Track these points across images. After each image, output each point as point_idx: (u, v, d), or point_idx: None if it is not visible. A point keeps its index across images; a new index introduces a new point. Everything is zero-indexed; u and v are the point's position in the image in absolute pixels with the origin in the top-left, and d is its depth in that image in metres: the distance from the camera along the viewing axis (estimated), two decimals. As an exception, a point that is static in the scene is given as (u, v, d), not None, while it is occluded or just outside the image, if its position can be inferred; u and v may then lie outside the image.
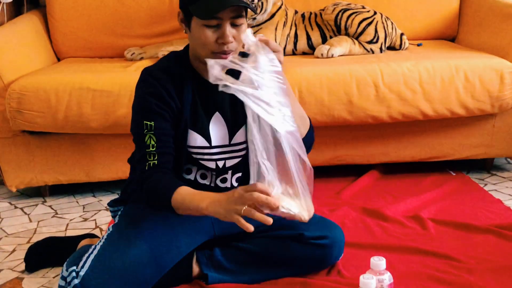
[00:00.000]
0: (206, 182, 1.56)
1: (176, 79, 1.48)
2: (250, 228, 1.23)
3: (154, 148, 1.42)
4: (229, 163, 1.55)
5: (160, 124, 1.44)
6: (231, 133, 1.54)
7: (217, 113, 1.53)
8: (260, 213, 1.23)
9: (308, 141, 1.50)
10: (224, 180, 1.58)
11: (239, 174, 1.60)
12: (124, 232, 1.48)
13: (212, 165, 1.53)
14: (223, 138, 1.53)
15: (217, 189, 1.57)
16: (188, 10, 1.41)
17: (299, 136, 1.33)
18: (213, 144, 1.52)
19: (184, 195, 1.34)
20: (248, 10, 1.43)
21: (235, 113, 1.54)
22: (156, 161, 1.41)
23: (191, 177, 1.55)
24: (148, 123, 1.43)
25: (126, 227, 1.50)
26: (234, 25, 1.41)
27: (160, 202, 1.37)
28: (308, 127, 1.53)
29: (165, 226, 1.51)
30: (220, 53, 1.41)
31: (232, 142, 1.55)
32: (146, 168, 1.41)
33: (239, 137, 1.56)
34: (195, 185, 1.54)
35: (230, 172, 1.57)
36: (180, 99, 1.48)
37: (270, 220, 1.23)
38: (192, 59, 1.52)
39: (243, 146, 1.56)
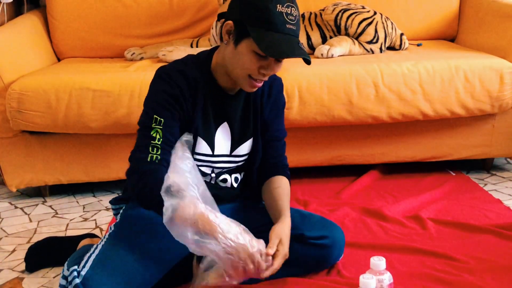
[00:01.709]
0: (206, 179, 1.56)
1: (191, 83, 1.48)
2: None
3: (160, 142, 1.42)
4: (223, 168, 1.57)
5: (169, 122, 1.44)
6: (235, 144, 1.56)
7: (225, 123, 1.54)
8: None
9: None
10: (224, 181, 1.59)
11: (237, 175, 1.61)
12: (125, 232, 1.48)
13: (208, 170, 1.55)
14: (225, 148, 1.55)
15: (217, 186, 1.58)
16: (246, 29, 1.38)
17: None
18: (215, 153, 1.54)
19: None
20: None
21: (244, 126, 1.56)
22: (159, 156, 1.40)
23: None
24: (158, 118, 1.43)
25: (128, 227, 1.50)
26: (277, 61, 1.43)
27: (153, 203, 1.36)
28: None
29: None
30: (256, 79, 1.43)
31: (233, 153, 1.56)
32: (148, 159, 1.40)
33: (242, 149, 1.58)
34: None
35: (227, 174, 1.58)
36: (193, 104, 1.48)
37: None
38: (216, 66, 1.51)
39: (244, 158, 1.59)
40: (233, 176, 1.60)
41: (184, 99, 1.46)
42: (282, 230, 1.45)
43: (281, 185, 1.59)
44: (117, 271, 1.37)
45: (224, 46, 1.47)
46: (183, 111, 1.47)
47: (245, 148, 1.58)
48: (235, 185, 1.61)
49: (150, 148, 1.41)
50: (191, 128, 1.49)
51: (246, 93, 1.56)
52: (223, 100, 1.53)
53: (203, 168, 1.53)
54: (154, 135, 1.42)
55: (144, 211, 1.54)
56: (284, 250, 1.42)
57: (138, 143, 1.45)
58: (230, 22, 1.42)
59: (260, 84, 1.46)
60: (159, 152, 1.41)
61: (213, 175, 1.56)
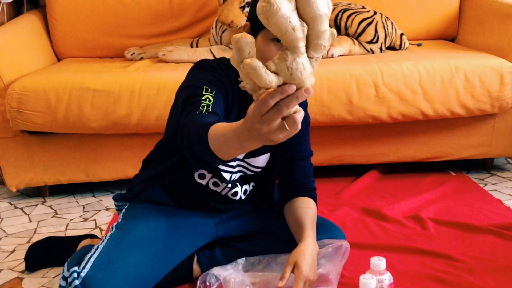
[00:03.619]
0: (218, 189, 1.55)
1: (230, 83, 1.43)
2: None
3: (211, 103, 1.28)
4: (238, 175, 1.56)
5: (218, 96, 1.34)
6: (250, 152, 1.52)
7: None
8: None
9: None
10: (235, 194, 1.57)
11: (246, 186, 1.60)
12: (127, 233, 1.48)
13: (227, 176, 1.53)
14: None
15: (226, 198, 1.57)
16: (259, 23, 1.33)
17: None
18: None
19: (217, 132, 1.09)
20: None
21: None
22: (208, 111, 1.25)
23: (203, 182, 1.54)
24: (209, 88, 1.32)
25: (129, 228, 1.49)
26: None
27: (197, 138, 1.13)
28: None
29: (168, 227, 1.51)
30: None
31: (245, 159, 1.54)
32: (197, 112, 1.24)
33: (258, 161, 1.56)
34: (206, 190, 1.55)
35: (238, 184, 1.57)
36: (231, 102, 1.44)
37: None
38: None
39: (258, 170, 1.57)
40: (244, 187, 1.59)
41: (227, 91, 1.40)
42: (300, 253, 1.41)
43: (307, 206, 1.57)
44: (118, 272, 1.37)
45: None
46: (228, 100, 1.40)
47: (261, 161, 1.56)
48: (243, 197, 1.60)
49: (200, 107, 1.26)
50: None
51: None
52: (247, 104, 1.50)
53: (224, 174, 1.52)
54: (204, 98, 1.29)
55: (146, 213, 1.54)
56: (303, 273, 1.37)
57: (185, 111, 1.27)
58: (247, 23, 1.41)
59: None
60: (209, 108, 1.26)
61: (229, 185, 1.54)
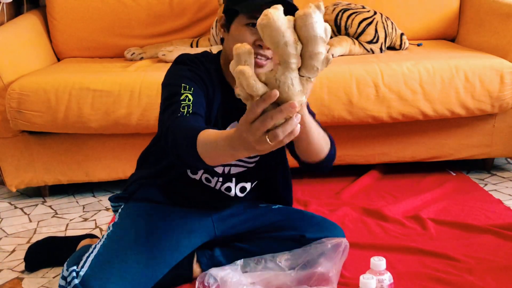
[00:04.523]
0: (211, 185, 1.56)
1: (209, 75, 1.45)
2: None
3: (190, 102, 1.31)
4: (234, 170, 1.56)
5: (198, 92, 1.37)
6: None
7: (235, 122, 1.51)
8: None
9: (330, 158, 1.47)
10: (228, 189, 1.57)
11: (243, 184, 1.60)
12: (124, 232, 1.48)
13: (219, 169, 1.53)
14: None
15: (221, 194, 1.57)
16: (233, 11, 1.36)
17: None
18: None
19: (207, 138, 1.13)
20: None
21: None
22: (190, 110, 1.29)
23: (197, 177, 1.55)
24: (187, 86, 1.36)
25: (127, 227, 1.50)
26: None
27: (185, 143, 1.18)
28: (329, 144, 1.45)
29: (166, 226, 1.51)
30: (255, 55, 1.34)
31: None
32: (179, 114, 1.28)
33: None
34: (199, 185, 1.55)
35: (234, 179, 1.57)
36: (212, 93, 1.45)
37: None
38: (223, 66, 1.49)
39: (252, 160, 1.57)
40: (240, 185, 1.59)
41: (206, 84, 1.43)
42: None
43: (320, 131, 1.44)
44: (116, 271, 1.37)
45: (225, 42, 1.46)
46: (208, 93, 1.42)
47: None
48: (240, 194, 1.60)
49: (181, 107, 1.29)
50: (209, 116, 1.44)
51: None
52: (231, 99, 1.50)
53: (216, 167, 1.52)
54: (183, 98, 1.32)
55: (144, 211, 1.54)
56: None
57: (167, 113, 1.31)
58: (222, 15, 1.43)
59: (264, 62, 1.35)
60: (190, 109, 1.29)
61: (221, 179, 1.55)
